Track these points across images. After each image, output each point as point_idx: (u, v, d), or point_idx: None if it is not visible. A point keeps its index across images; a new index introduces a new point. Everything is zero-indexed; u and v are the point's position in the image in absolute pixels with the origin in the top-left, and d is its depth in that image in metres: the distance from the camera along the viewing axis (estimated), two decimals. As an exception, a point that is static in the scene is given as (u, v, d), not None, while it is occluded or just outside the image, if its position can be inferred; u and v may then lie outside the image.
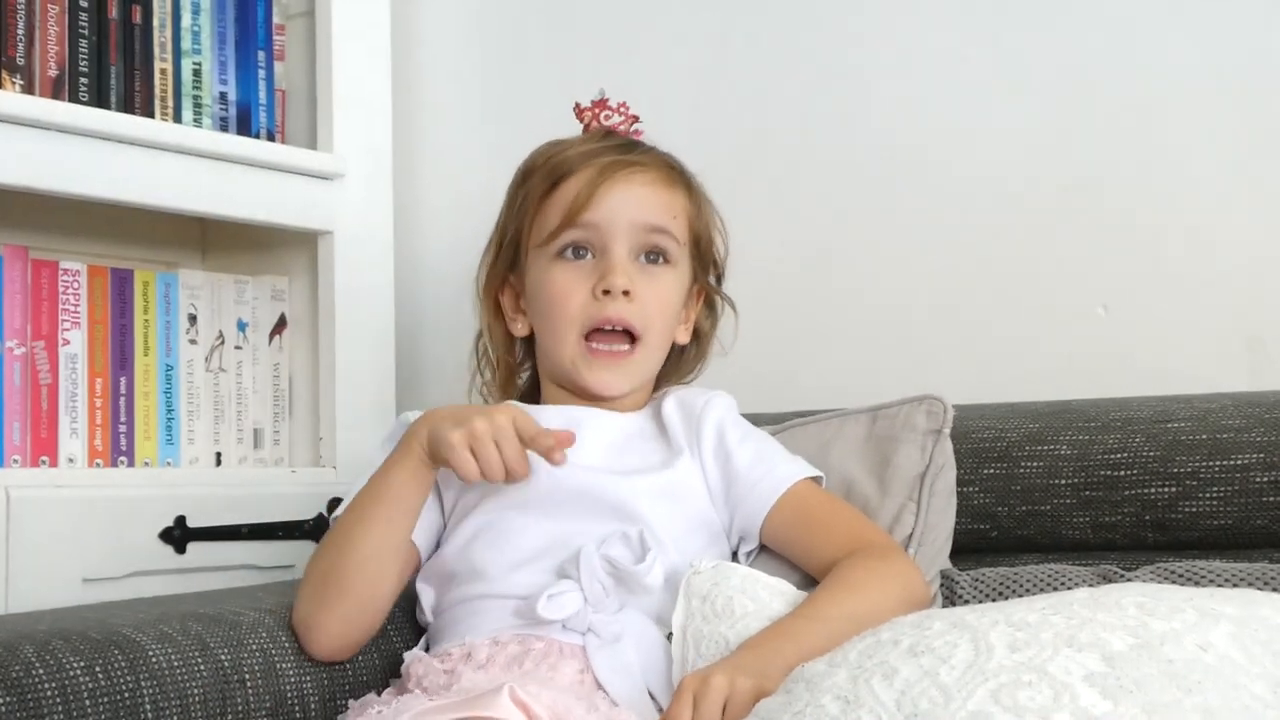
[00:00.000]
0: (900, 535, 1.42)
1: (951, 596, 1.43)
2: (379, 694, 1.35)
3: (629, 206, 1.44)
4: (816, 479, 1.45)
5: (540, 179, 1.48)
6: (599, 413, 1.46)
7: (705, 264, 1.54)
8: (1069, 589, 1.19)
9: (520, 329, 1.52)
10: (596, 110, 1.52)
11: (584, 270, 1.45)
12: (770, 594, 1.30)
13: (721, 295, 1.58)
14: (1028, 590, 1.37)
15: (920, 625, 1.02)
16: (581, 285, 1.44)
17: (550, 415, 1.44)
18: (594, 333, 1.45)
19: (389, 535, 1.37)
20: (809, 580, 1.37)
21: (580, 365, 1.45)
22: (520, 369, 1.55)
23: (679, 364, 1.56)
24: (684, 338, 1.54)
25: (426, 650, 1.40)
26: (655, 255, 1.47)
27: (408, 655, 1.37)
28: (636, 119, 1.53)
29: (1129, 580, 1.33)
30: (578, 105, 1.53)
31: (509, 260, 1.51)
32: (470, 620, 1.36)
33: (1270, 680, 0.96)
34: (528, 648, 1.31)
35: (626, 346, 1.45)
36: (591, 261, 1.45)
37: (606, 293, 1.43)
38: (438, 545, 1.45)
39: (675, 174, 1.50)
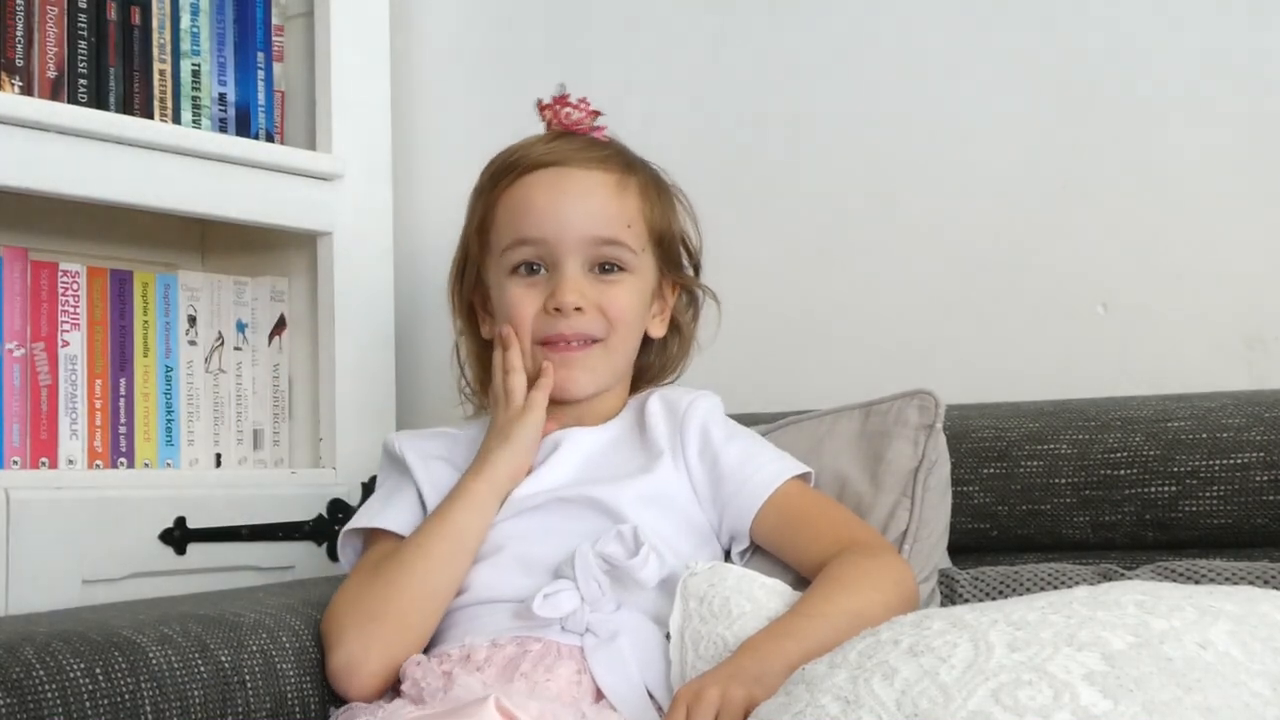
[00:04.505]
0: (895, 531, 1.42)
1: (951, 595, 1.43)
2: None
3: (578, 221, 1.44)
4: (805, 475, 1.45)
5: (493, 191, 1.48)
6: (576, 431, 1.47)
7: (673, 258, 1.52)
8: (1069, 588, 1.18)
9: (487, 332, 1.53)
10: (557, 107, 1.51)
11: (537, 286, 1.45)
12: (767, 594, 1.30)
13: (700, 287, 1.56)
14: (1028, 589, 1.37)
15: (920, 625, 1.02)
16: (535, 301, 1.45)
17: None
18: (551, 342, 1.45)
19: (452, 574, 1.38)
20: (802, 580, 1.37)
21: (545, 370, 1.46)
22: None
23: (662, 359, 1.55)
24: (658, 330, 1.53)
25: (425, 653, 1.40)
26: (609, 266, 1.46)
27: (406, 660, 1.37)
28: (598, 114, 1.51)
29: (1129, 579, 1.33)
30: (539, 102, 1.52)
31: (475, 268, 1.52)
32: (468, 625, 1.37)
33: (1270, 677, 0.96)
34: (525, 649, 1.31)
35: (587, 342, 1.45)
36: (544, 277, 1.45)
37: (559, 309, 1.43)
38: None
39: (627, 178, 1.48)
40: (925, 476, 1.44)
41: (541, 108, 1.52)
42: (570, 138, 1.49)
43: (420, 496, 1.46)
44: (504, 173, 1.48)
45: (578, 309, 1.43)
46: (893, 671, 0.96)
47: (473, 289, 1.53)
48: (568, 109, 1.50)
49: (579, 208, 1.44)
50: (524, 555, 1.38)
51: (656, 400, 1.48)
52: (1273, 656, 0.98)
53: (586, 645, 1.31)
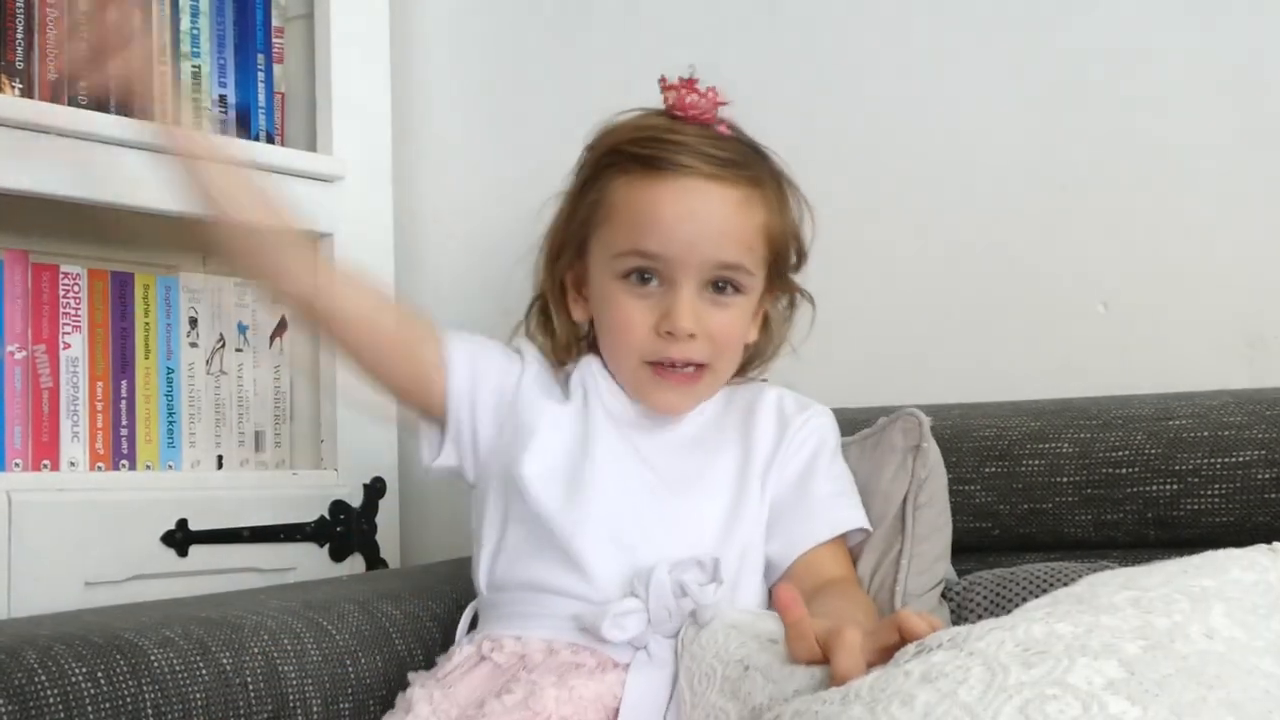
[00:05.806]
0: (890, 555, 1.41)
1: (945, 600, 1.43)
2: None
3: (702, 241, 1.35)
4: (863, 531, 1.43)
5: (612, 179, 1.40)
6: (666, 421, 1.42)
7: (783, 266, 1.45)
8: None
9: (579, 315, 1.45)
10: (683, 91, 1.41)
11: (649, 301, 1.37)
12: (758, 643, 1.23)
13: (801, 292, 1.49)
14: (1022, 592, 1.37)
15: (921, 656, 0.99)
16: (646, 317, 1.37)
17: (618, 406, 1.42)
18: (658, 363, 1.39)
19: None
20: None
21: (645, 386, 1.39)
22: (579, 343, 1.47)
23: (748, 354, 1.48)
24: (753, 336, 1.47)
25: (473, 619, 1.39)
26: (724, 285, 1.38)
27: (465, 636, 1.37)
28: (721, 104, 1.41)
29: (1103, 569, 1.32)
30: (663, 80, 1.42)
31: (576, 246, 1.43)
32: (528, 613, 1.34)
33: (1275, 651, 0.96)
34: (579, 662, 1.29)
35: (692, 370, 1.39)
36: (658, 291, 1.37)
37: (671, 333, 1.36)
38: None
39: (753, 192, 1.39)
40: (915, 495, 1.43)
41: (665, 87, 1.41)
42: (693, 132, 1.40)
43: (500, 385, 1.42)
44: (627, 162, 1.39)
45: (690, 335, 1.37)
46: (910, 697, 0.94)
47: (568, 267, 1.45)
48: (693, 95, 1.40)
49: (705, 227, 1.36)
50: (594, 549, 1.33)
51: (772, 403, 1.44)
52: (1265, 624, 0.98)
53: (636, 662, 1.28)
